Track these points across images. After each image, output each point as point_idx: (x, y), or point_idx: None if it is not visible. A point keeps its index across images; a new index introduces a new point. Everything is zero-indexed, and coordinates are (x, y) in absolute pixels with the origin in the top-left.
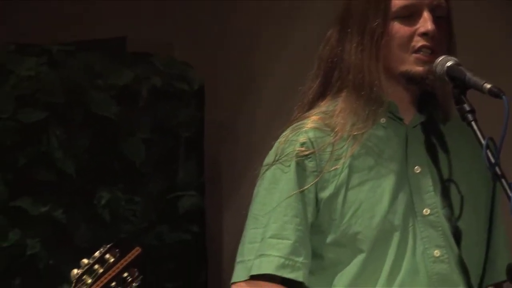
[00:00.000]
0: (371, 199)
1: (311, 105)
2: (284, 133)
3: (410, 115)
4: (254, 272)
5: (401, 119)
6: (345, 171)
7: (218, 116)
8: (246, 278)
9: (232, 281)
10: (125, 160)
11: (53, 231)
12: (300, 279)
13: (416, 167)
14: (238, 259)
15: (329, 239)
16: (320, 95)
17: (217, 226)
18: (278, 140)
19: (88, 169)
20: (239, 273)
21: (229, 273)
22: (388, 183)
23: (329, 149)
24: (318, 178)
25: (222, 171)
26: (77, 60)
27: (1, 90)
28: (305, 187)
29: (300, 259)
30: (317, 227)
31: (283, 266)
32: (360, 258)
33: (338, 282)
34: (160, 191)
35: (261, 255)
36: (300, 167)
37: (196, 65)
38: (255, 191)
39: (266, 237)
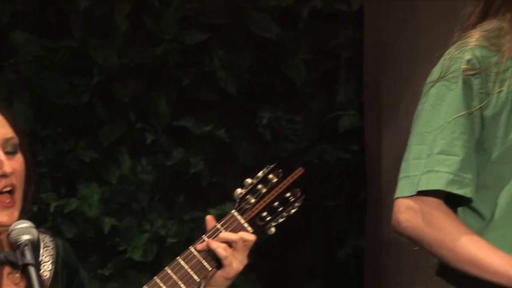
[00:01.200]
0: None
1: (472, 28)
2: (448, 51)
3: None
4: (422, 187)
5: None
6: (510, 91)
7: (377, 37)
8: (413, 193)
9: (396, 196)
10: (286, 80)
11: (216, 149)
12: (469, 195)
13: None
14: (402, 174)
15: (492, 156)
16: (482, 20)
17: (376, 145)
18: (443, 57)
19: (249, 89)
20: (404, 188)
21: (388, 191)
22: None
23: (495, 69)
24: (486, 100)
25: (382, 91)
26: None
27: (165, 11)
28: (473, 107)
29: (468, 175)
30: (481, 144)
31: (452, 182)
32: None
33: (500, 198)
34: (320, 110)
35: (429, 171)
36: (467, 85)
37: None
38: (419, 108)
39: (434, 153)
